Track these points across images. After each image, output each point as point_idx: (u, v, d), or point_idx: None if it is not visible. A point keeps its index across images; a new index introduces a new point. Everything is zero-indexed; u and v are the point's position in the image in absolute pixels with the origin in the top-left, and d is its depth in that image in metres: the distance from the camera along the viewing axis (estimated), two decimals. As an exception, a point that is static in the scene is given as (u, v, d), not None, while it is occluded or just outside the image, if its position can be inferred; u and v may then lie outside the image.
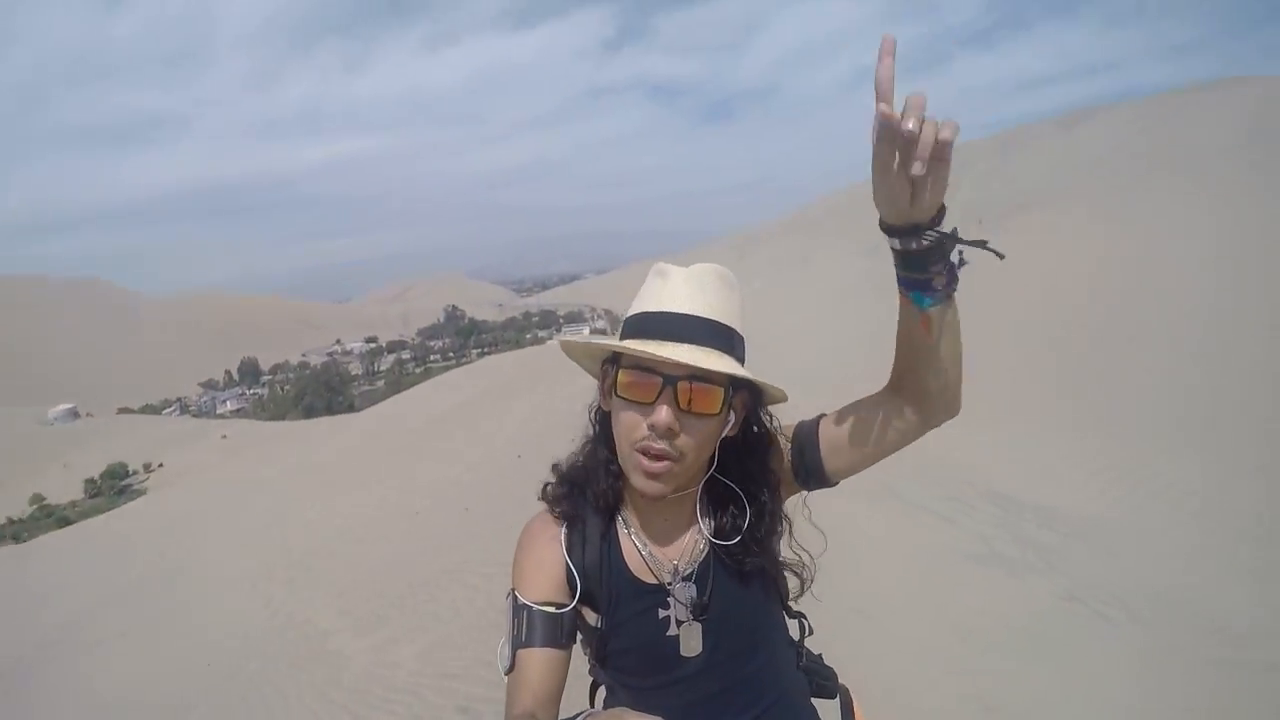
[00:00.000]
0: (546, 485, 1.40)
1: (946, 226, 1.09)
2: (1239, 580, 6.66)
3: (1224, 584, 6.57)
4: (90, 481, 47.62)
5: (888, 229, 1.09)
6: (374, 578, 8.58)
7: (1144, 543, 7.58)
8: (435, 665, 5.58)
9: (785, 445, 1.36)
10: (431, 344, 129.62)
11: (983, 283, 18.42)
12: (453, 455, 13.40)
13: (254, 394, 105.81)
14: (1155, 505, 8.78)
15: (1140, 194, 22.20)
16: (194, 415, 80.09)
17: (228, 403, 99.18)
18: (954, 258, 1.14)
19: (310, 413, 65.64)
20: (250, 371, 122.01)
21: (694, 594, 1.28)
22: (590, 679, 1.52)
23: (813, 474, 1.34)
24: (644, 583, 1.30)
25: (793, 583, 1.41)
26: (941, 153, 0.96)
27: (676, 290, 1.21)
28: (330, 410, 63.50)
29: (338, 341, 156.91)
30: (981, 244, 1.13)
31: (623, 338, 1.23)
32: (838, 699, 1.57)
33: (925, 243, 1.08)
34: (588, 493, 1.34)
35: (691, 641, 1.28)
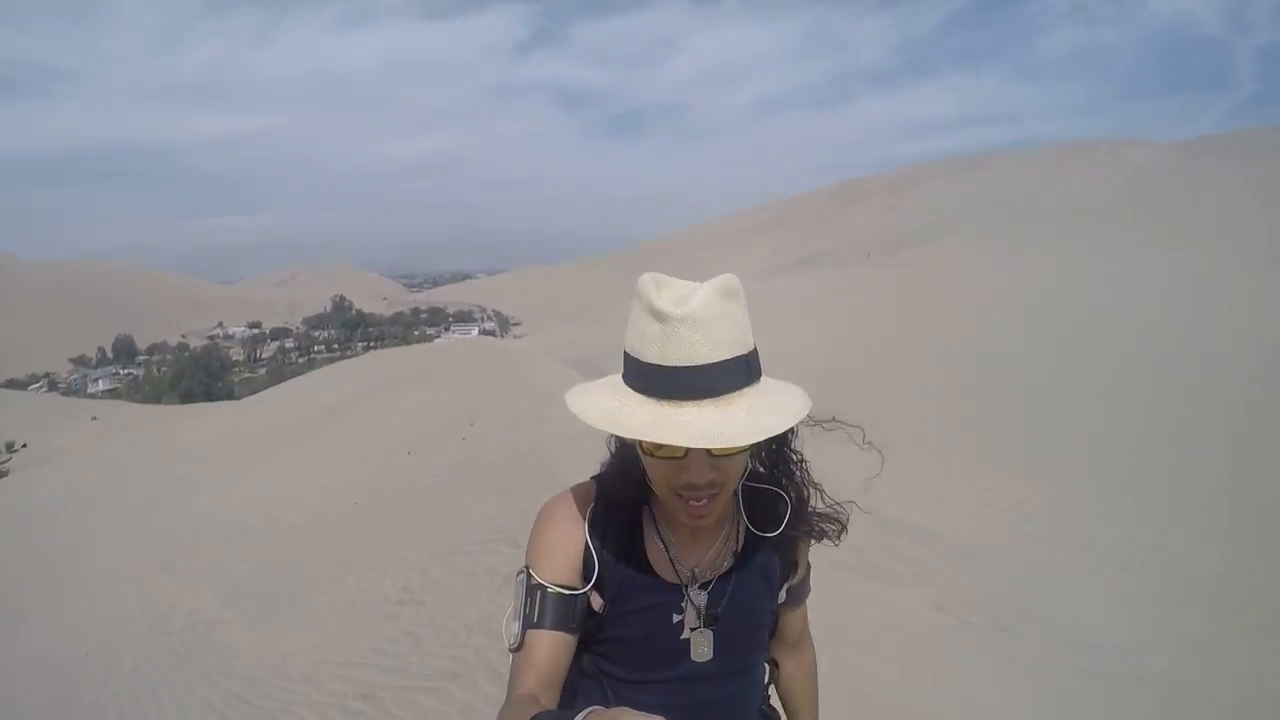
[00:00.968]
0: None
1: None
2: (1113, 604, 7.23)
3: (1097, 606, 7.10)
4: (-56, 460, 44.61)
5: None
6: (262, 569, 8.46)
7: (1018, 566, 8.01)
8: (332, 654, 5.60)
9: None
10: (316, 334, 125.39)
11: (881, 312, 19.22)
12: (339, 449, 13.25)
13: (128, 374, 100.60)
14: (1034, 534, 9.30)
15: (1027, 235, 23.43)
16: (63, 393, 75.86)
17: (100, 382, 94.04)
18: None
19: (187, 397, 62.97)
20: (126, 350, 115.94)
21: (705, 602, 1.30)
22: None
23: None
24: (662, 579, 1.30)
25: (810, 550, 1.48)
26: None
27: (681, 341, 1.09)
28: (209, 396, 61.07)
29: (219, 324, 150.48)
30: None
31: (626, 376, 1.17)
32: None
33: None
34: (615, 491, 1.34)
35: (703, 647, 1.30)
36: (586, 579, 1.26)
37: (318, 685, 5.18)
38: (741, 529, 1.36)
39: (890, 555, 7.19)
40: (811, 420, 1.27)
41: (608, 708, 0.90)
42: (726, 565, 1.33)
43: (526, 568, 1.27)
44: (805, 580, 1.51)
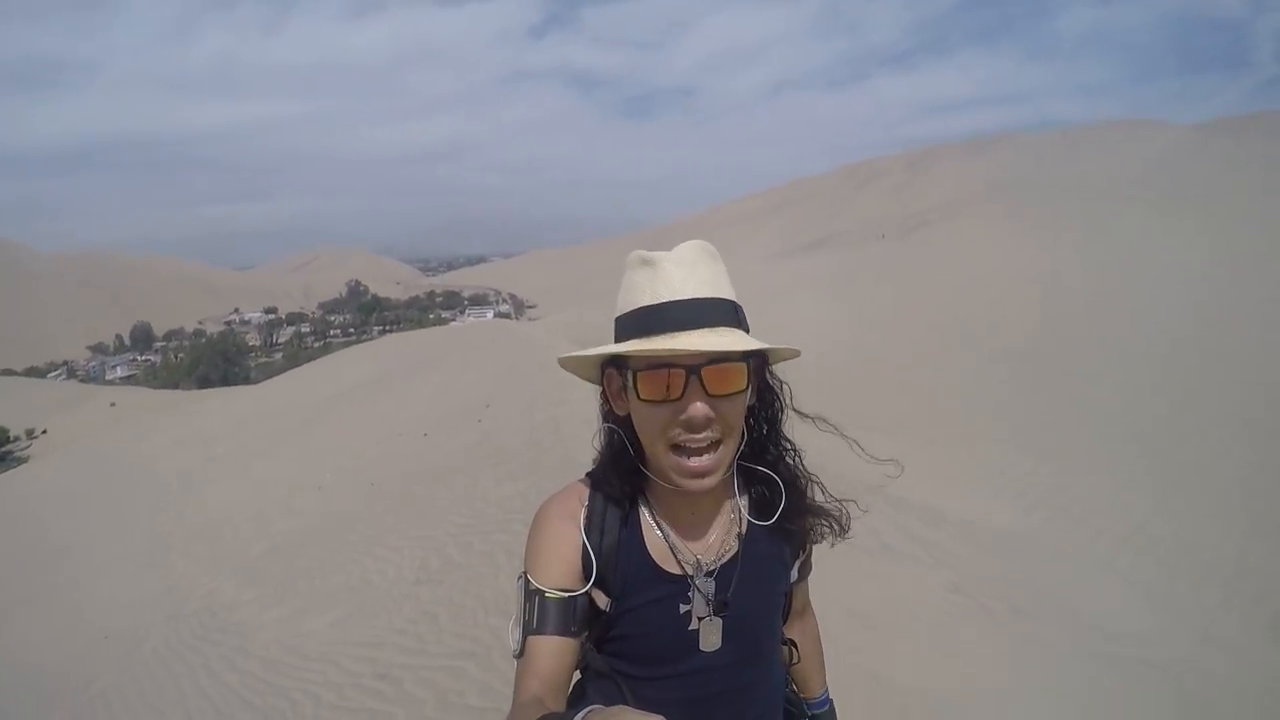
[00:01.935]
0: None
1: None
2: (1130, 591, 7.16)
3: (1113, 593, 7.03)
4: (-34, 447, 45.03)
5: None
6: (280, 550, 8.54)
7: (1034, 551, 7.95)
8: (349, 634, 5.63)
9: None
10: (332, 319, 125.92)
11: (895, 293, 19.12)
12: (355, 431, 13.32)
13: (146, 361, 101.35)
14: (1049, 520, 9.20)
15: (1042, 217, 23.20)
16: (81, 380, 76.47)
17: (118, 369, 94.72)
18: None
19: (204, 383, 63.31)
20: (143, 337, 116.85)
21: (714, 590, 1.28)
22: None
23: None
24: (666, 571, 1.28)
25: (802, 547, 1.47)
26: None
27: (670, 276, 1.17)
28: (226, 381, 61.34)
29: (236, 310, 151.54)
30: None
31: (619, 338, 1.21)
32: None
33: None
34: (609, 486, 1.32)
35: (712, 636, 1.28)
36: (586, 578, 1.25)
37: (335, 664, 5.21)
38: (742, 513, 1.34)
39: (907, 537, 7.14)
40: (800, 412, 1.34)
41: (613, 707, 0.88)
42: (733, 550, 1.31)
43: (525, 573, 1.25)
44: (809, 556, 1.50)
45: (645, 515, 1.31)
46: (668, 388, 1.14)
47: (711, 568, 1.28)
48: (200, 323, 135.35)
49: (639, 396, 1.17)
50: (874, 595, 5.73)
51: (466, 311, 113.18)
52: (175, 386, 62.14)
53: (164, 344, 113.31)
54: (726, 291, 1.20)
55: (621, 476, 1.30)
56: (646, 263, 1.20)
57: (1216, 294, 15.26)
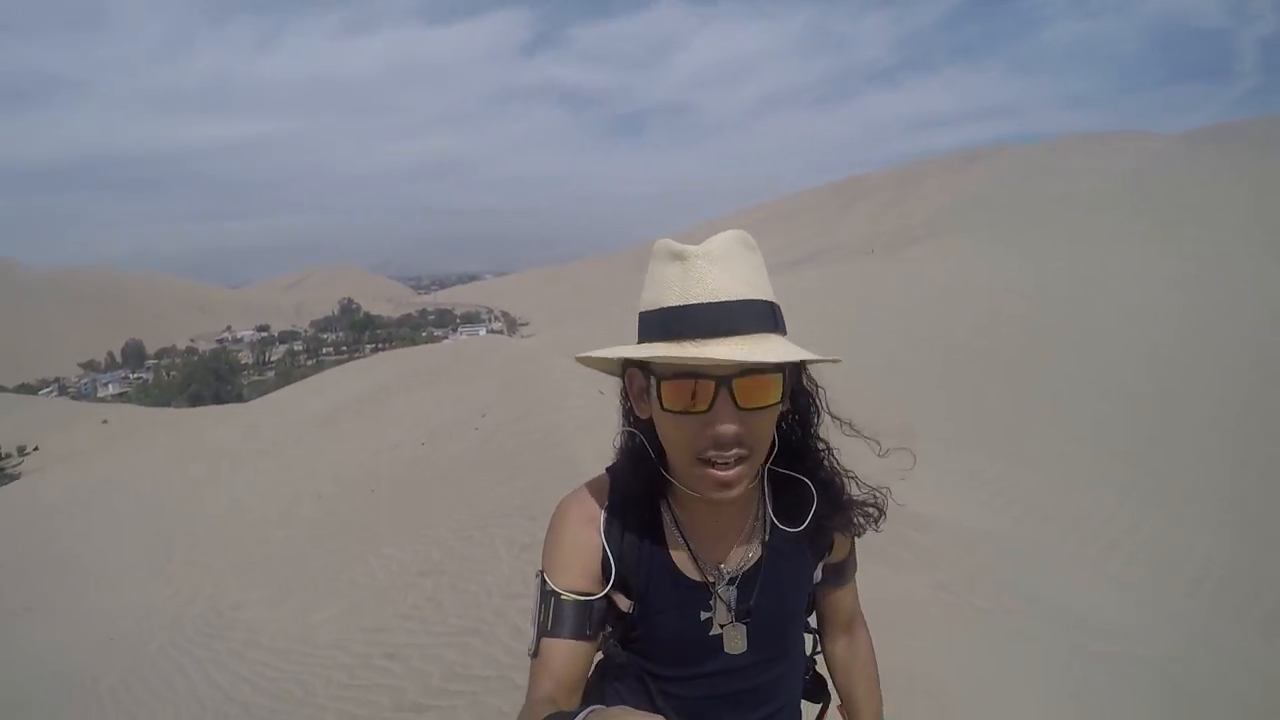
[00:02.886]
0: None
1: None
2: (1118, 591, 7.33)
3: (1101, 593, 7.19)
4: (-42, 464, 44.72)
5: None
6: (283, 554, 8.67)
7: (1023, 553, 8.06)
8: (357, 622, 5.80)
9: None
10: (324, 336, 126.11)
11: (883, 306, 19.30)
12: (353, 443, 13.44)
13: (138, 378, 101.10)
14: (1037, 523, 9.44)
15: (1030, 229, 23.47)
16: (73, 397, 76.19)
17: (109, 386, 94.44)
18: None
19: (196, 401, 63.09)
20: (135, 354, 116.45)
21: (736, 598, 1.24)
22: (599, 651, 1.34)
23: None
24: (687, 577, 1.24)
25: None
26: None
27: (703, 275, 1.06)
28: (218, 399, 61.14)
29: (228, 328, 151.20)
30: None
31: (644, 338, 1.12)
32: (820, 705, 1.54)
33: None
34: (629, 488, 1.27)
35: (736, 641, 1.25)
36: (605, 582, 1.21)
37: (344, 649, 5.38)
38: (768, 520, 1.28)
39: (896, 540, 7.21)
40: (835, 418, 1.29)
41: (633, 705, 0.97)
42: (756, 556, 1.26)
43: (541, 573, 1.23)
44: (850, 557, 1.46)
45: (667, 519, 1.25)
46: (694, 398, 1.06)
47: (734, 575, 1.25)
48: (192, 340, 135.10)
49: (662, 406, 1.09)
50: (867, 596, 5.85)
51: (459, 329, 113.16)
52: (167, 404, 61.93)
53: (156, 361, 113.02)
54: (764, 290, 1.10)
55: (642, 481, 1.24)
56: (677, 257, 1.09)
57: (1199, 299, 15.54)
